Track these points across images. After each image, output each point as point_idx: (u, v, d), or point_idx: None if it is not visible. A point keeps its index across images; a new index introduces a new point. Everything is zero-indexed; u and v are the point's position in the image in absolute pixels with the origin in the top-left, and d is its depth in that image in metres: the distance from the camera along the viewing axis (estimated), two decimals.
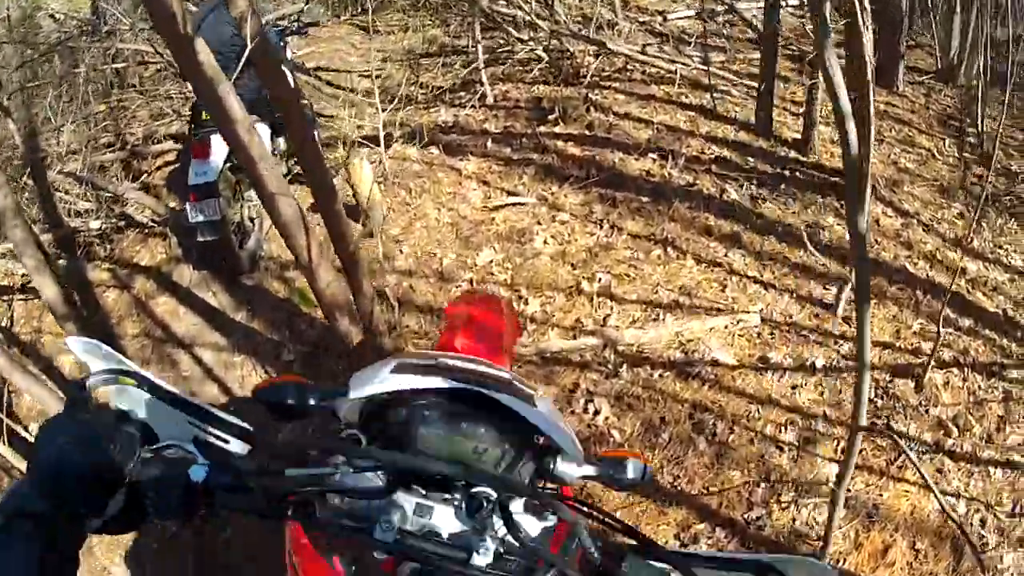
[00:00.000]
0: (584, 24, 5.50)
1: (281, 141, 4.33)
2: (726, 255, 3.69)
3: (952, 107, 5.24)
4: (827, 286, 3.61)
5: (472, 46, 5.06)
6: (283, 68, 3.77)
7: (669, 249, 3.70)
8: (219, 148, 3.58)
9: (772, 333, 3.37)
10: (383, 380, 1.01)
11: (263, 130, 3.92)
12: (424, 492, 0.94)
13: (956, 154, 4.76)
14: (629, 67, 5.08)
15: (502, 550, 0.89)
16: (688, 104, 4.73)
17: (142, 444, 0.86)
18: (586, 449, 1.10)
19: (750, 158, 4.27)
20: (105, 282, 4.18)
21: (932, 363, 3.08)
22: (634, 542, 0.92)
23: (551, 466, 1.05)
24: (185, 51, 2.09)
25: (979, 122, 4.91)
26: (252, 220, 3.96)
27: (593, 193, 4.08)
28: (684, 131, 4.47)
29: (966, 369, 3.33)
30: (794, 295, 3.53)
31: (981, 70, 4.93)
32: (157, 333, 3.80)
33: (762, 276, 3.59)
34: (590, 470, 1.08)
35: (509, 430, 1.02)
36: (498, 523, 0.91)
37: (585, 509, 0.96)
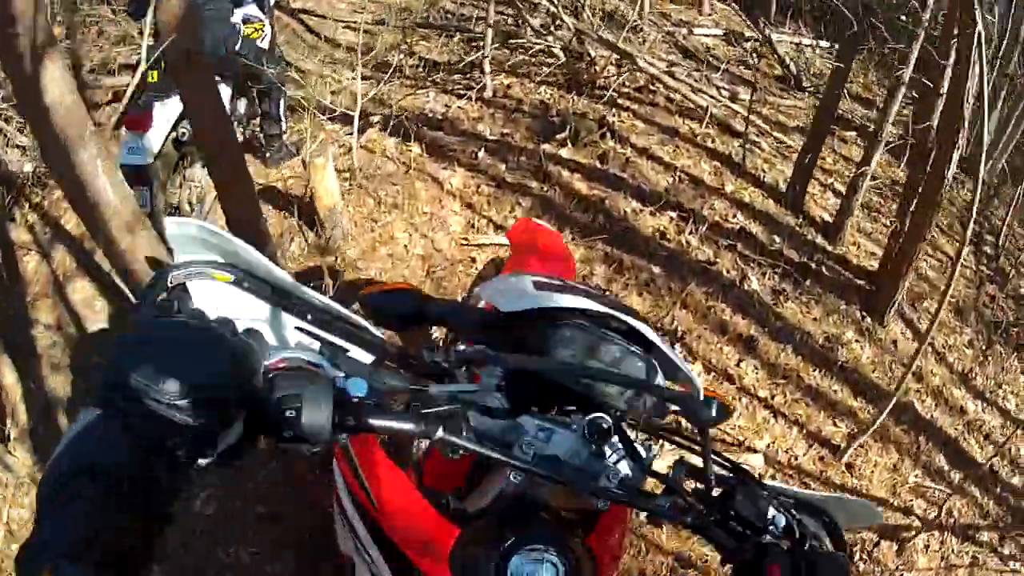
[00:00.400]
0: (608, 26, 4.64)
1: (243, 103, 3.59)
2: (739, 364, 3.11)
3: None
4: (837, 420, 3.11)
5: (481, 24, 4.12)
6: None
7: (678, 347, 3.06)
8: (161, 121, 2.89)
9: (773, 477, 2.83)
10: (532, 296, 0.94)
11: (222, 91, 3.10)
12: (543, 415, 0.91)
13: (973, 265, 4.29)
14: (652, 87, 4.30)
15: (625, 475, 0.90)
16: (714, 151, 4.04)
17: (264, 354, 0.69)
18: None
19: (776, 237, 3.66)
20: (27, 245, 3.40)
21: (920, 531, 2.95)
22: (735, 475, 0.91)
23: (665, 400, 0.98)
24: (28, 79, 1.18)
25: (999, 234, 4.46)
26: (192, 204, 3.09)
27: (597, 249, 3.38)
28: (708, 186, 3.80)
29: (946, 532, 3.12)
30: (803, 429, 3.01)
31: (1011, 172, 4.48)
32: (70, 329, 3.08)
33: (772, 399, 3.04)
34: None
35: (637, 360, 0.98)
36: (614, 449, 0.91)
37: (681, 440, 1.02)
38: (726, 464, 0.95)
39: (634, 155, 3.83)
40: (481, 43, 4.21)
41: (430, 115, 4.08)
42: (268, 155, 3.73)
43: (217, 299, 0.75)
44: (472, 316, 1.01)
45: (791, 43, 5.56)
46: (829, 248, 3.82)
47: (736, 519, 0.86)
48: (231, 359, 0.64)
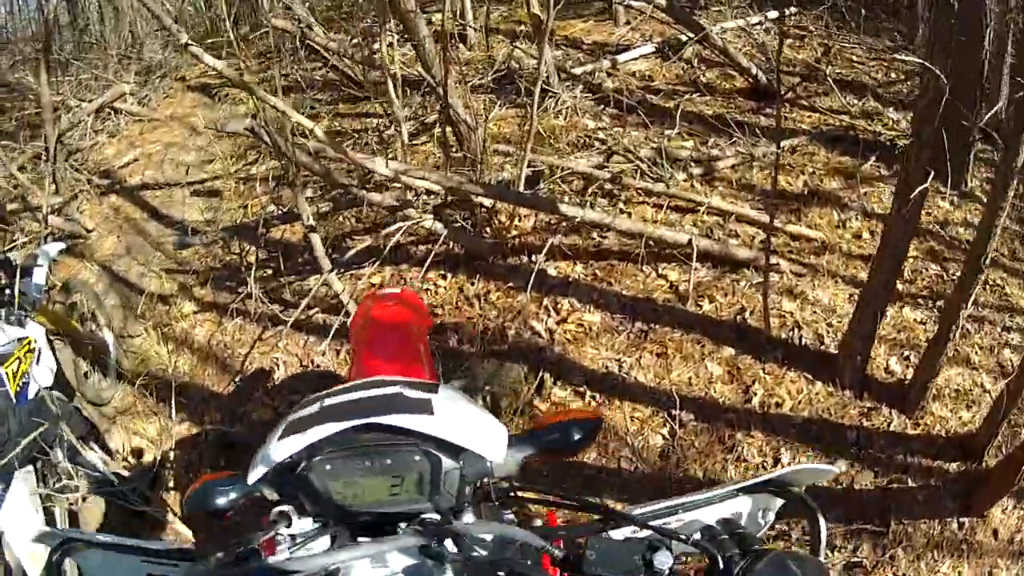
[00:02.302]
0: (506, 96, 2.37)
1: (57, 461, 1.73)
2: None
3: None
4: None
5: (305, 227, 1.89)
6: None
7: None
8: None
9: None
10: (271, 452, 0.69)
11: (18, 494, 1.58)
12: (372, 538, 0.64)
13: None
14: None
15: (465, 572, 0.63)
16: (719, 322, 2.05)
17: None
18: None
19: (840, 462, 1.76)
20: None
21: None
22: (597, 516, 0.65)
23: (486, 463, 0.69)
24: None
25: None
26: None
27: None
28: (727, 412, 1.83)
29: None
30: None
31: None
32: None
33: None
34: (528, 449, 0.75)
35: (414, 456, 0.67)
36: (452, 546, 0.64)
37: (533, 496, 0.73)
38: (580, 506, 0.69)
39: (595, 400, 1.84)
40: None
41: (283, 392, 1.95)
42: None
43: (84, 558, 0.65)
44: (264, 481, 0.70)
45: (736, 29, 3.10)
46: (909, 430, 1.85)
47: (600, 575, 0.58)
48: None
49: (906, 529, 1.65)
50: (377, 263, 2.08)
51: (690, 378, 1.86)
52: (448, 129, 2.31)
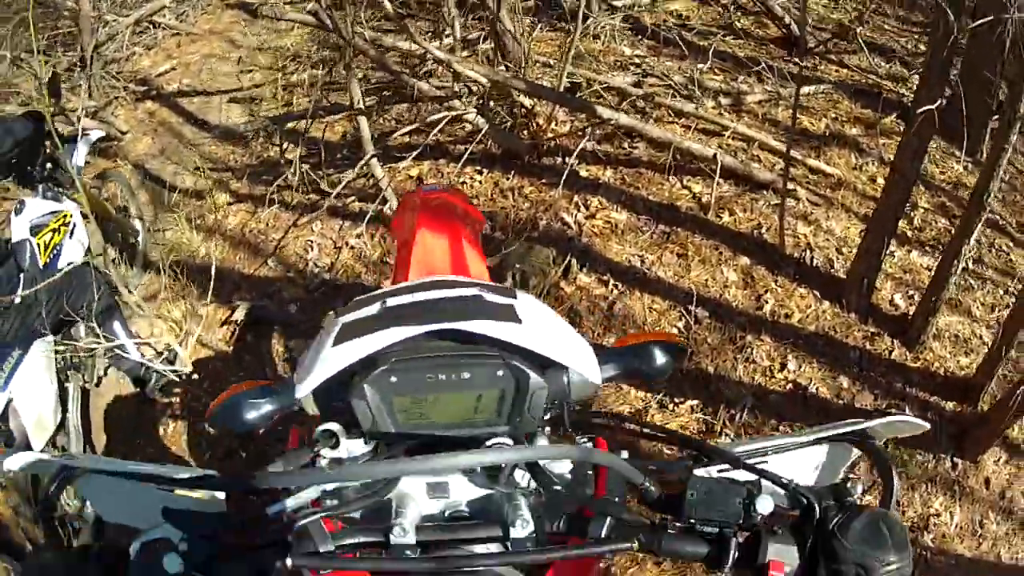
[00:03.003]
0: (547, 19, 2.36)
1: (80, 333, 1.74)
2: None
3: None
4: None
5: (353, 111, 1.89)
6: None
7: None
8: None
9: None
10: (325, 359, 0.55)
11: (38, 357, 1.56)
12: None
13: None
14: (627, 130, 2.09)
15: (540, 507, 0.54)
16: (737, 232, 2.05)
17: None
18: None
19: (843, 379, 1.72)
20: None
21: None
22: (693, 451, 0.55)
23: (566, 380, 0.57)
24: None
25: None
26: None
27: None
28: (739, 314, 1.84)
29: None
30: None
31: None
32: None
33: None
34: (610, 370, 0.62)
35: (496, 370, 0.54)
36: (525, 477, 0.54)
37: (627, 426, 0.63)
38: (677, 441, 0.58)
39: (617, 288, 1.82)
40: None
41: (316, 270, 1.99)
42: (145, 393, 1.92)
43: (90, 487, 0.55)
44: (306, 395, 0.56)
45: None
46: (909, 362, 1.88)
47: (700, 518, 0.50)
48: None
49: (903, 456, 1.70)
50: (416, 154, 2.09)
51: (707, 280, 1.90)
52: (492, 45, 2.30)
